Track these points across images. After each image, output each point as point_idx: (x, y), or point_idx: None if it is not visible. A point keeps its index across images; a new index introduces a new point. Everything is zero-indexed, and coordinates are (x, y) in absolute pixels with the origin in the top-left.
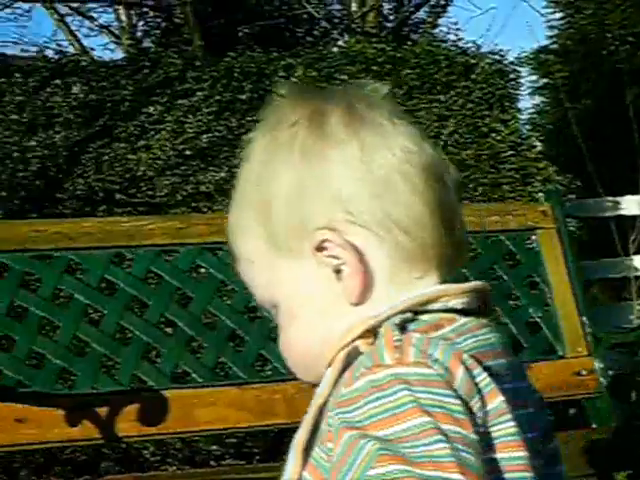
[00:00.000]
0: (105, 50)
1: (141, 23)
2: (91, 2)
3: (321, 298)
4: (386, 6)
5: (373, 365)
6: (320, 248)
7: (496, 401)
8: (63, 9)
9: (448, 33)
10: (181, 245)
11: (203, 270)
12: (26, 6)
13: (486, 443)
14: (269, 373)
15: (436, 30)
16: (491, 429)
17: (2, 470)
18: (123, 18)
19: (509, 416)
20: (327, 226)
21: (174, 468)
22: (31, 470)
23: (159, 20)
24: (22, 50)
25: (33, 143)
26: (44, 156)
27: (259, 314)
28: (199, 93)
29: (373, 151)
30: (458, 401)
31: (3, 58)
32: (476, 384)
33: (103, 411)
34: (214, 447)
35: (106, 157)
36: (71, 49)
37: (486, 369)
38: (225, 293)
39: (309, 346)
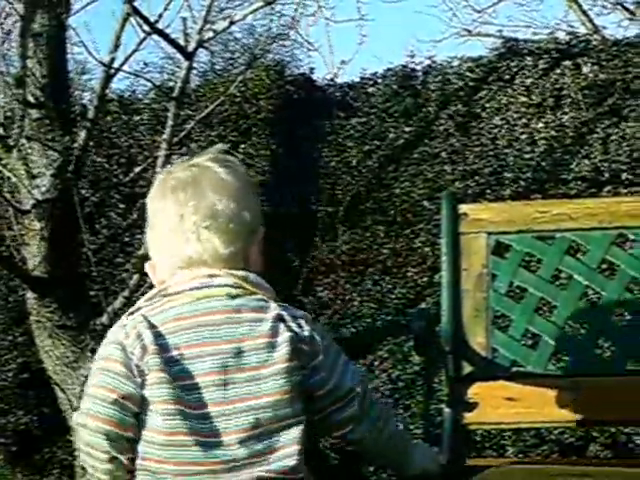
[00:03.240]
0: (618, 28)
1: None
2: None
3: None
4: None
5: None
6: None
7: (150, 350)
8: None
9: None
10: None
11: None
12: None
13: (145, 375)
14: None
15: None
16: (147, 366)
17: (490, 445)
18: None
19: (158, 359)
20: None
21: None
22: (519, 448)
23: None
24: (533, 33)
25: (541, 125)
26: (552, 137)
27: None
28: None
29: (152, 214)
30: (119, 351)
31: (515, 42)
32: (141, 341)
33: (593, 393)
34: None
35: (614, 137)
36: (582, 29)
37: (161, 332)
38: None
39: None
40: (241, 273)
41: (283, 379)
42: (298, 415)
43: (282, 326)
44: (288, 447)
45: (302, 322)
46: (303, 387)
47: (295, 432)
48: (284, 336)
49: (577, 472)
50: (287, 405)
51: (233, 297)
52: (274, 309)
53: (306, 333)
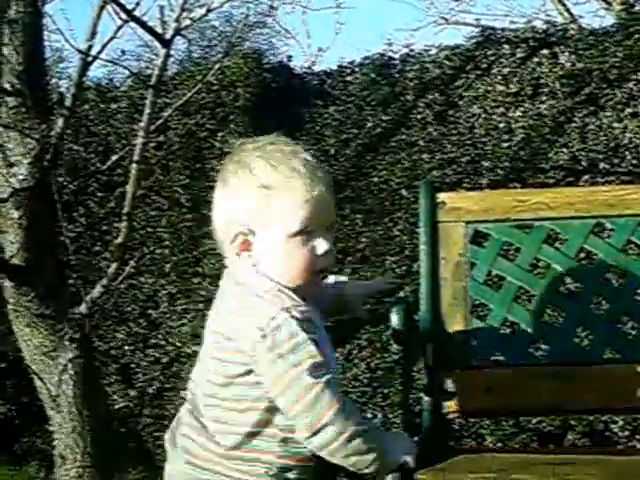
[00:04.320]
0: (595, 17)
1: None
2: None
3: None
4: None
5: None
6: None
7: None
8: None
9: None
10: None
11: None
12: None
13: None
14: None
15: None
16: None
17: (469, 434)
18: None
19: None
20: None
21: None
22: (497, 437)
23: None
24: (511, 22)
25: (519, 113)
26: (529, 126)
27: None
28: None
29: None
30: None
31: (492, 31)
32: None
33: (572, 382)
34: None
35: (591, 126)
36: (560, 18)
37: None
38: None
39: None
40: (235, 269)
41: (222, 365)
42: (227, 400)
43: (250, 322)
44: (209, 423)
45: (258, 323)
46: (253, 383)
47: (215, 412)
48: (244, 330)
49: (557, 461)
50: (218, 388)
51: (239, 285)
52: (254, 302)
53: (254, 335)
